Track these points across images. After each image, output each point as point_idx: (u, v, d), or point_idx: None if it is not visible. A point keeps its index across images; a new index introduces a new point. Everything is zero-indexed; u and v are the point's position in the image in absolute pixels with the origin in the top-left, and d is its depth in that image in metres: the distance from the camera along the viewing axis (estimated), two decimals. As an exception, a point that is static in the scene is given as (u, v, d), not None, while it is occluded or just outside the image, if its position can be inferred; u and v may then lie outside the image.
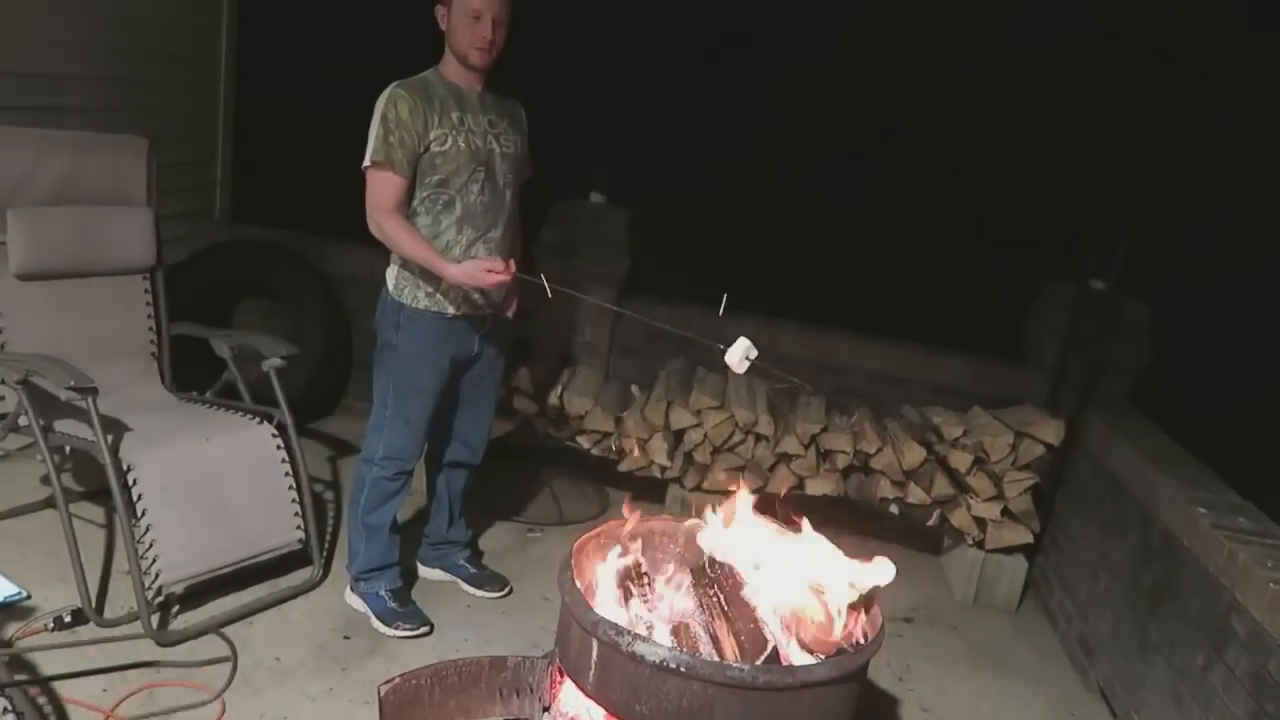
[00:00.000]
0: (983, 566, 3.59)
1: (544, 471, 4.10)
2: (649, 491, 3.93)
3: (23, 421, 2.76)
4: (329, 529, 3.43)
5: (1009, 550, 3.57)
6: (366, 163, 2.61)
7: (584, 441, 3.83)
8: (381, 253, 2.75)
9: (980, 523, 3.53)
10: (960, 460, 3.53)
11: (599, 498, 4.05)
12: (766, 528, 2.26)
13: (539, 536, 3.69)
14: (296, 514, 3.02)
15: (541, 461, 4.08)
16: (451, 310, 2.74)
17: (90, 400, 2.60)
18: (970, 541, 3.57)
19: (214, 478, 2.85)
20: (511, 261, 2.62)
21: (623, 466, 3.76)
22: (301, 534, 3.03)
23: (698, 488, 3.70)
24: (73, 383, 2.57)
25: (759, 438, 3.64)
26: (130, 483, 2.66)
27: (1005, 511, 3.51)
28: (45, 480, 3.37)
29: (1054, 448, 3.53)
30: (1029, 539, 3.53)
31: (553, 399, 3.83)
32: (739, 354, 2.30)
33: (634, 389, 4.08)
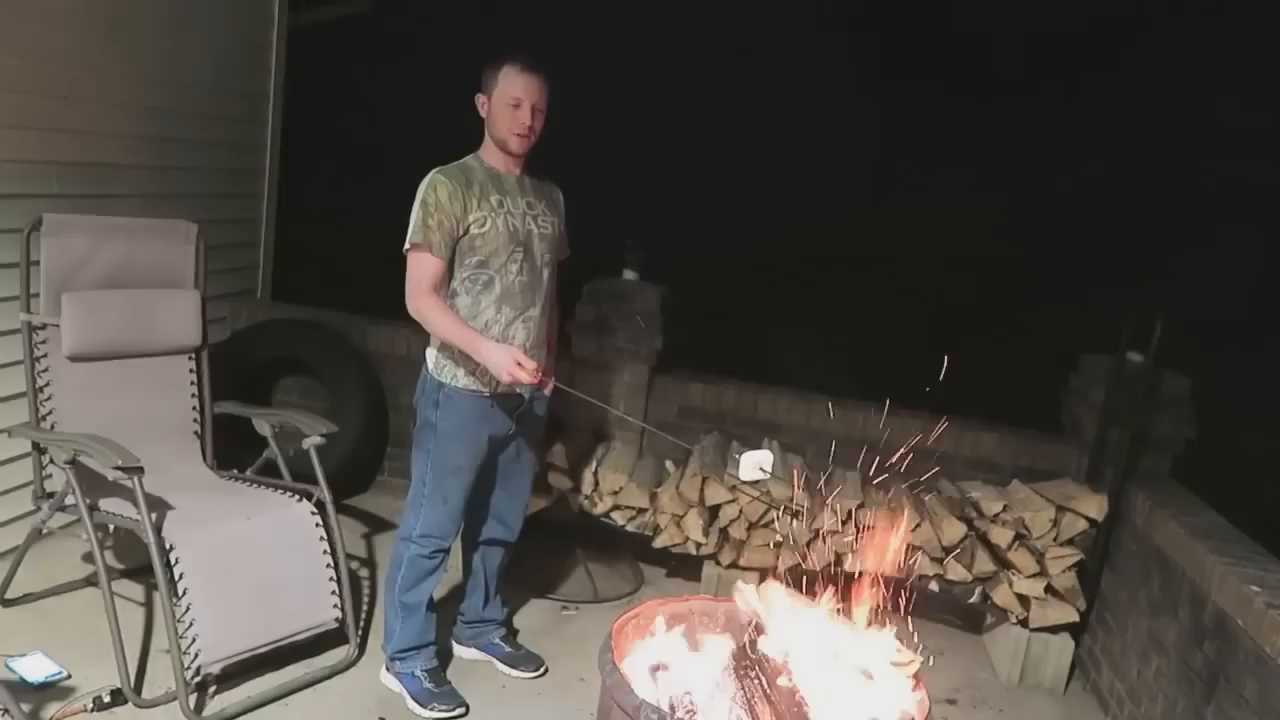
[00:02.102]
0: (1028, 646, 3.51)
1: (578, 548, 4.08)
2: (684, 569, 3.91)
3: (69, 500, 2.82)
4: (365, 607, 3.42)
5: (1054, 629, 3.49)
6: (406, 245, 2.68)
7: (619, 518, 3.82)
8: (419, 331, 2.80)
9: (1024, 600, 3.46)
10: (1001, 536, 3.47)
11: (634, 575, 4.02)
12: (807, 609, 2.23)
13: (574, 615, 3.66)
14: (334, 592, 3.02)
15: (576, 538, 4.07)
16: (489, 389, 2.77)
17: (136, 480, 2.64)
18: (1014, 620, 3.50)
19: (254, 556, 2.87)
20: (539, 369, 2.61)
21: (658, 543, 3.74)
22: (339, 613, 3.03)
23: (734, 564, 3.66)
24: (120, 462, 2.63)
25: (795, 513, 3.61)
26: (172, 562, 2.69)
27: (1049, 589, 3.44)
28: (86, 558, 3.42)
29: (1097, 523, 3.48)
30: (1074, 617, 3.44)
31: (587, 475, 3.83)
32: (752, 464, 2.32)
33: (668, 464, 4.08)
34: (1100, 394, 3.75)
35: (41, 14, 3.27)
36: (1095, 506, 3.44)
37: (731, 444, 4.06)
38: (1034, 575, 3.44)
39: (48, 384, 3.00)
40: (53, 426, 2.98)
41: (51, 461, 2.92)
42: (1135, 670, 3.22)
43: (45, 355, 3.00)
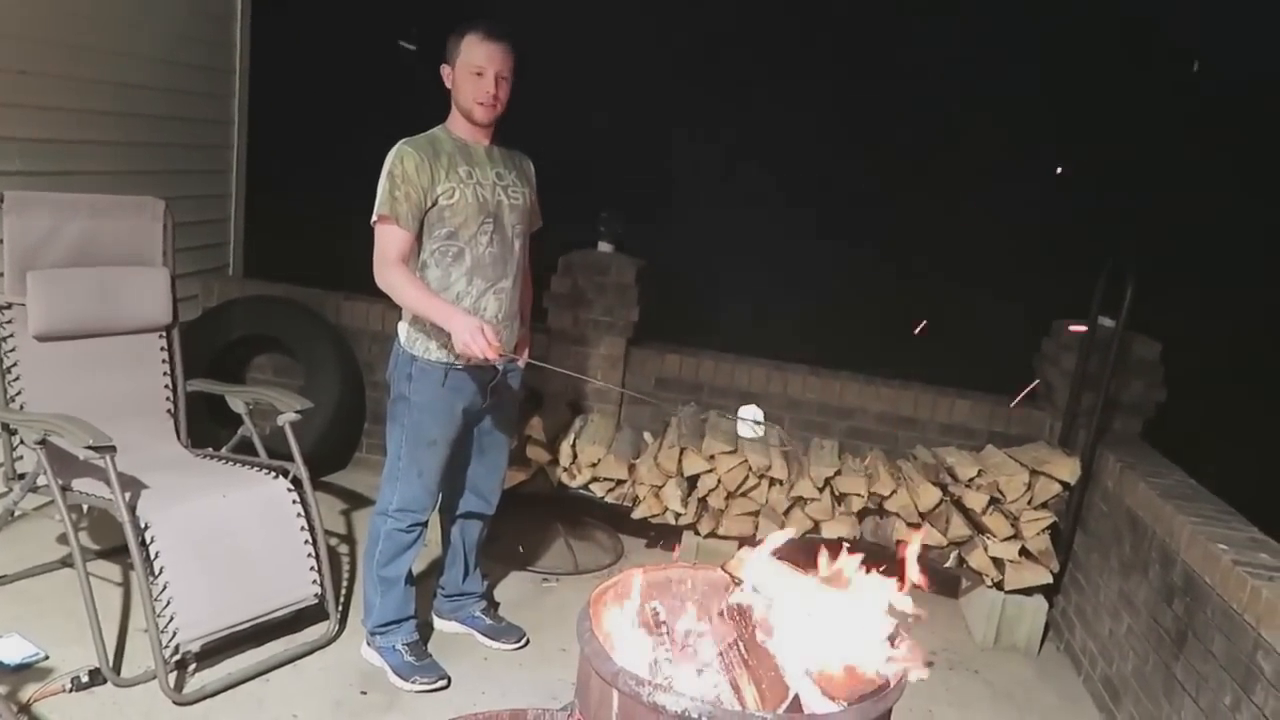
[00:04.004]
0: (1002, 608, 3.56)
1: (558, 520, 4.09)
2: (664, 538, 3.93)
3: (41, 481, 2.79)
4: (344, 583, 3.42)
5: (1028, 591, 3.54)
6: (374, 218, 2.66)
7: (597, 489, 3.83)
8: (394, 306, 2.78)
9: (998, 563, 3.50)
10: (976, 500, 3.51)
11: (614, 546, 4.04)
12: (788, 572, 2.24)
13: (554, 586, 3.68)
14: (312, 569, 3.01)
15: (555, 510, 4.08)
16: (461, 361, 2.76)
17: (109, 459, 2.62)
18: (989, 583, 3.54)
19: (230, 534, 2.85)
20: (498, 344, 2.56)
21: (637, 514, 3.76)
22: (318, 589, 3.02)
23: (713, 533, 3.68)
24: (91, 442, 2.60)
25: (773, 482, 3.63)
26: (147, 540, 2.67)
27: (1023, 551, 3.49)
28: (61, 539, 3.39)
29: (1070, 486, 3.52)
30: (1048, 579, 3.50)
31: (565, 447, 3.84)
32: (748, 424, 2.33)
33: (646, 436, 4.09)
34: (1072, 359, 3.79)
35: (-3, -14, 3.20)
36: (1068, 470, 3.49)
37: (709, 414, 4.07)
38: (1008, 539, 3.49)
39: (15, 364, 2.96)
40: (22, 407, 2.94)
41: (22, 442, 2.89)
42: (1107, 629, 3.28)
43: (11, 335, 2.96)
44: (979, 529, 3.54)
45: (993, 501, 3.52)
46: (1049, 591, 3.60)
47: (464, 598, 3.22)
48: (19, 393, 2.96)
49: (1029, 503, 3.50)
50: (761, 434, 2.40)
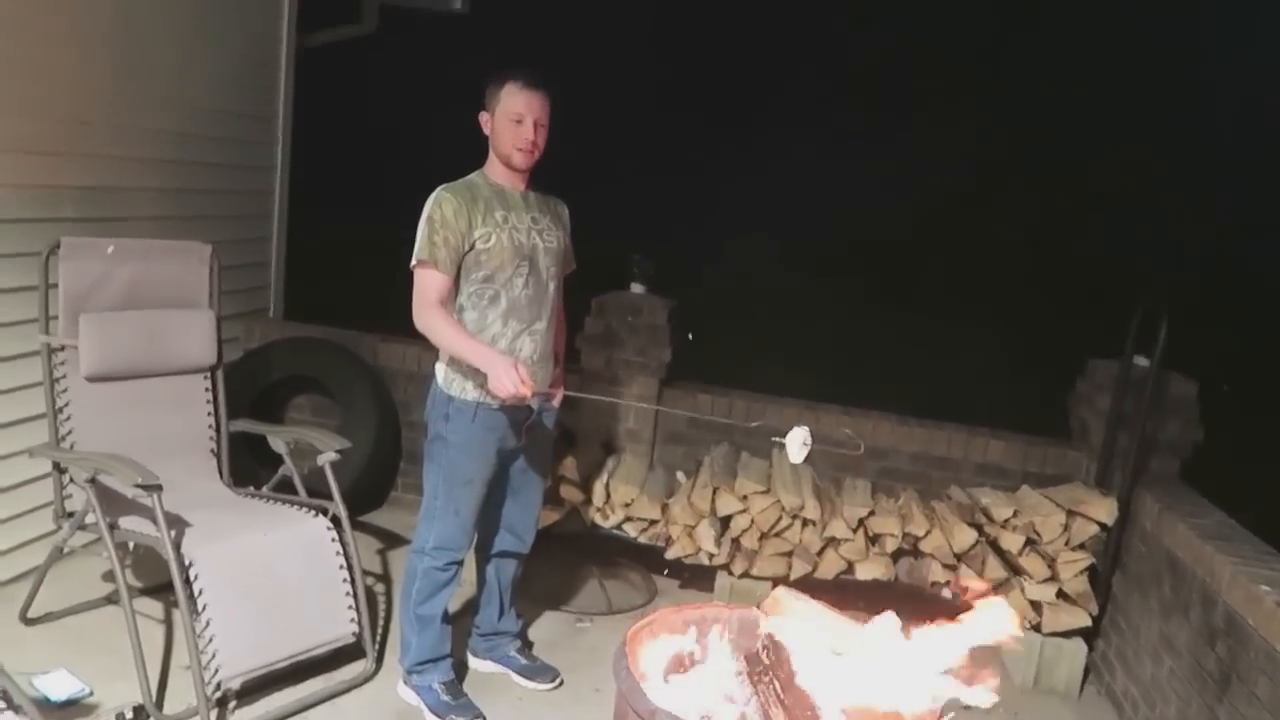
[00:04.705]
0: (1041, 650, 3.51)
1: (591, 560, 4.10)
2: (697, 579, 3.92)
3: (89, 519, 2.85)
4: (381, 622, 3.45)
5: (1067, 634, 3.50)
6: (413, 262, 2.72)
7: (631, 529, 3.84)
8: (430, 347, 2.84)
9: (1036, 605, 3.47)
10: (1012, 541, 3.49)
11: (647, 586, 4.04)
12: (827, 615, 2.25)
13: (588, 627, 3.68)
14: (350, 607, 3.05)
15: (588, 550, 4.09)
16: (497, 401, 2.80)
17: (155, 497, 2.68)
18: (1026, 625, 3.50)
19: (271, 571, 2.90)
20: (532, 383, 2.60)
21: (670, 554, 3.76)
22: (355, 627, 3.05)
23: (746, 574, 3.68)
24: (140, 480, 2.66)
25: (806, 522, 3.63)
26: (192, 578, 2.72)
27: (1061, 593, 3.45)
28: (106, 577, 3.46)
29: (1107, 527, 3.49)
30: (1087, 622, 3.46)
31: (598, 487, 3.86)
32: (797, 444, 2.34)
33: (679, 475, 4.10)
34: (1107, 399, 3.77)
35: (55, 39, 3.33)
36: (1105, 510, 3.46)
37: (741, 454, 4.09)
38: (1046, 580, 3.46)
39: (67, 404, 3.05)
40: (72, 446, 3.03)
41: (71, 481, 2.96)
42: (1149, 672, 3.23)
43: (64, 376, 3.05)
44: (1016, 570, 3.51)
45: (1029, 543, 3.50)
46: (1088, 634, 3.55)
47: (499, 637, 3.24)
48: (69, 432, 3.05)
49: (1066, 544, 3.47)
50: (809, 450, 2.41)
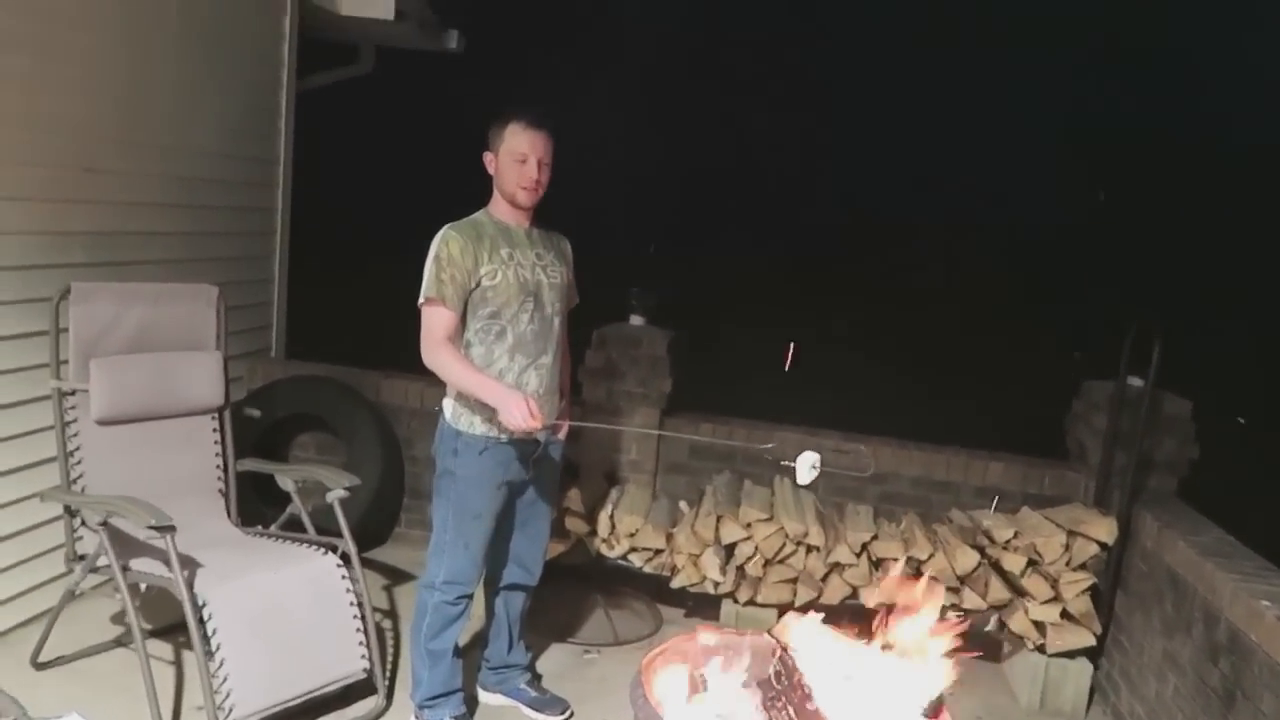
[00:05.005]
0: (1046, 671, 3.54)
1: (597, 592, 4.12)
2: (702, 607, 3.95)
3: (102, 561, 2.88)
4: (390, 658, 3.46)
5: (1072, 654, 3.52)
6: (421, 299, 2.77)
7: (636, 559, 3.87)
8: (431, 383, 2.88)
9: (1040, 626, 3.50)
10: (1014, 563, 3.52)
11: (652, 616, 4.06)
12: (835, 639, 2.29)
13: (596, 658, 3.70)
14: (361, 643, 3.07)
15: (594, 582, 4.12)
16: (505, 435, 2.84)
17: (169, 538, 2.71)
18: (1031, 646, 3.53)
19: (283, 609, 2.92)
20: (542, 416, 2.65)
21: (676, 583, 3.79)
22: (367, 663, 3.07)
23: (751, 601, 3.70)
24: (153, 521, 2.69)
25: (810, 548, 3.66)
26: (205, 618, 2.74)
27: (1064, 614, 3.49)
28: (114, 619, 3.47)
29: (1108, 546, 3.53)
30: (1091, 641, 3.48)
31: (603, 518, 3.89)
32: (806, 467, 2.40)
33: (682, 505, 4.13)
34: (1103, 419, 3.82)
35: (63, 88, 3.40)
36: (1105, 530, 3.50)
37: (744, 482, 4.12)
38: (1049, 601, 3.49)
39: (78, 448, 3.08)
40: (83, 489, 3.05)
41: (83, 524, 2.99)
42: (1153, 690, 3.26)
43: (75, 420, 3.08)
44: (1019, 592, 3.55)
45: (1031, 563, 3.53)
46: (1093, 654, 3.58)
47: (509, 670, 3.26)
48: (80, 475, 3.08)
49: (1067, 564, 3.50)
50: (818, 473, 2.48)
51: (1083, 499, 3.91)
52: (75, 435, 3.08)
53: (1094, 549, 3.51)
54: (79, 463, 3.08)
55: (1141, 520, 3.58)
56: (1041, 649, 3.52)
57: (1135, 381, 3.70)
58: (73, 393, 3.08)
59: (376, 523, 4.43)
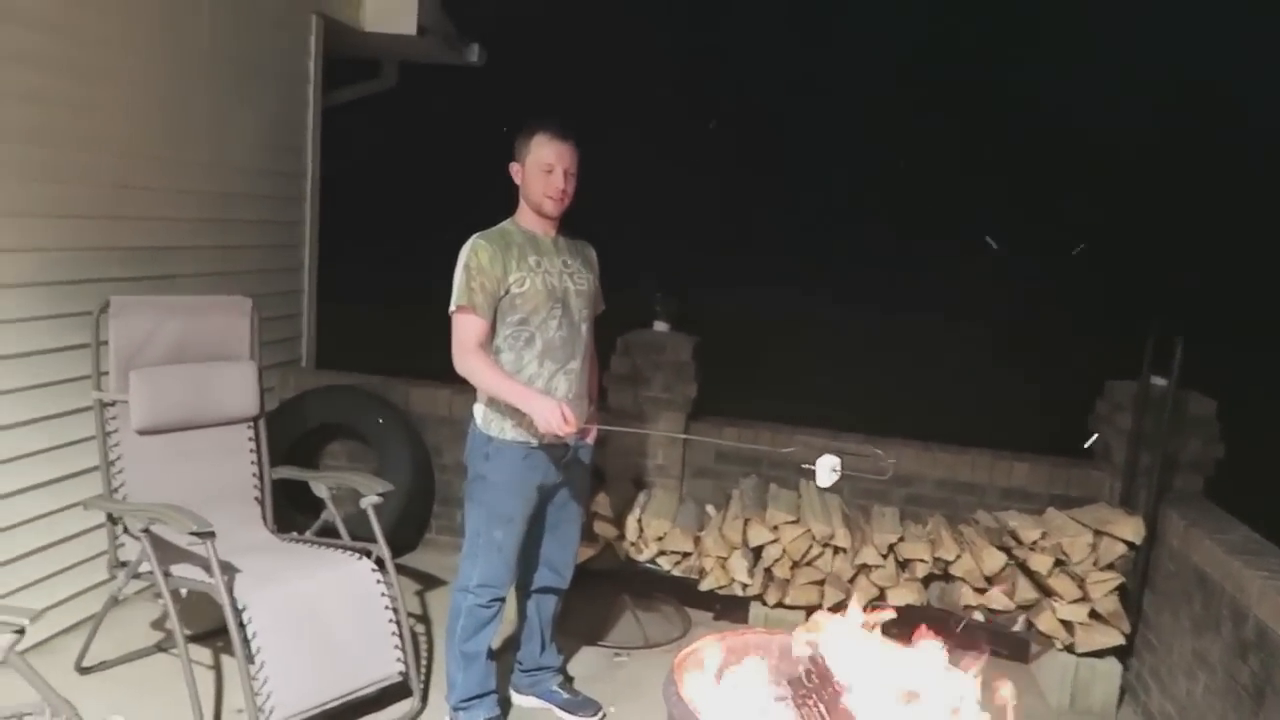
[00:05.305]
0: (1075, 671, 3.55)
1: (626, 595, 4.16)
2: (730, 610, 3.98)
3: (144, 567, 2.95)
4: (424, 661, 3.51)
5: (1101, 653, 3.53)
6: (452, 307, 2.83)
7: (664, 563, 3.91)
8: (459, 391, 2.94)
9: (1068, 626, 3.51)
10: (1041, 563, 3.54)
11: (681, 619, 4.09)
12: (869, 637, 2.31)
13: (626, 661, 3.74)
14: (397, 646, 3.12)
15: (623, 585, 4.16)
16: (535, 440, 2.90)
17: (209, 544, 2.78)
18: (1059, 646, 3.54)
19: (319, 614, 2.98)
20: (575, 420, 2.71)
21: (704, 586, 3.82)
22: (402, 666, 3.12)
23: (780, 603, 3.73)
24: (194, 528, 2.76)
25: (837, 550, 3.69)
26: (245, 622, 2.80)
27: (1093, 613, 3.50)
28: (154, 625, 3.55)
29: (1135, 546, 3.54)
30: (1120, 640, 3.49)
31: (631, 522, 3.93)
32: (826, 470, 2.43)
33: (709, 509, 4.17)
34: (1128, 419, 3.83)
35: (104, 109, 3.50)
36: (1131, 529, 3.51)
37: (770, 486, 4.15)
38: (1076, 600, 3.50)
39: (119, 457, 3.16)
40: (124, 497, 3.13)
41: (125, 531, 3.06)
42: (1184, 689, 3.26)
43: (116, 430, 3.16)
44: (1046, 592, 3.56)
45: (1058, 563, 3.54)
46: (1122, 653, 3.59)
47: (541, 672, 3.30)
48: (121, 484, 3.15)
49: (1094, 564, 3.51)
50: (839, 477, 2.51)
51: (1109, 499, 3.92)
52: (116, 445, 3.16)
53: (1121, 548, 3.52)
54: (120, 472, 3.15)
55: (1168, 519, 3.58)
56: (1070, 649, 3.53)
57: (1159, 381, 3.70)
58: (113, 404, 3.16)
59: (407, 529, 4.50)
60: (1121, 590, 3.54)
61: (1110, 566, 3.52)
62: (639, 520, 3.93)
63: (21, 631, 2.18)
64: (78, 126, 3.39)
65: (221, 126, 4.16)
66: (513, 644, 3.38)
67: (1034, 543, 3.58)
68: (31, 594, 3.27)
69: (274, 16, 4.54)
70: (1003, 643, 3.84)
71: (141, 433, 3.20)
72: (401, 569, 4.27)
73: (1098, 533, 3.54)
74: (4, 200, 3.12)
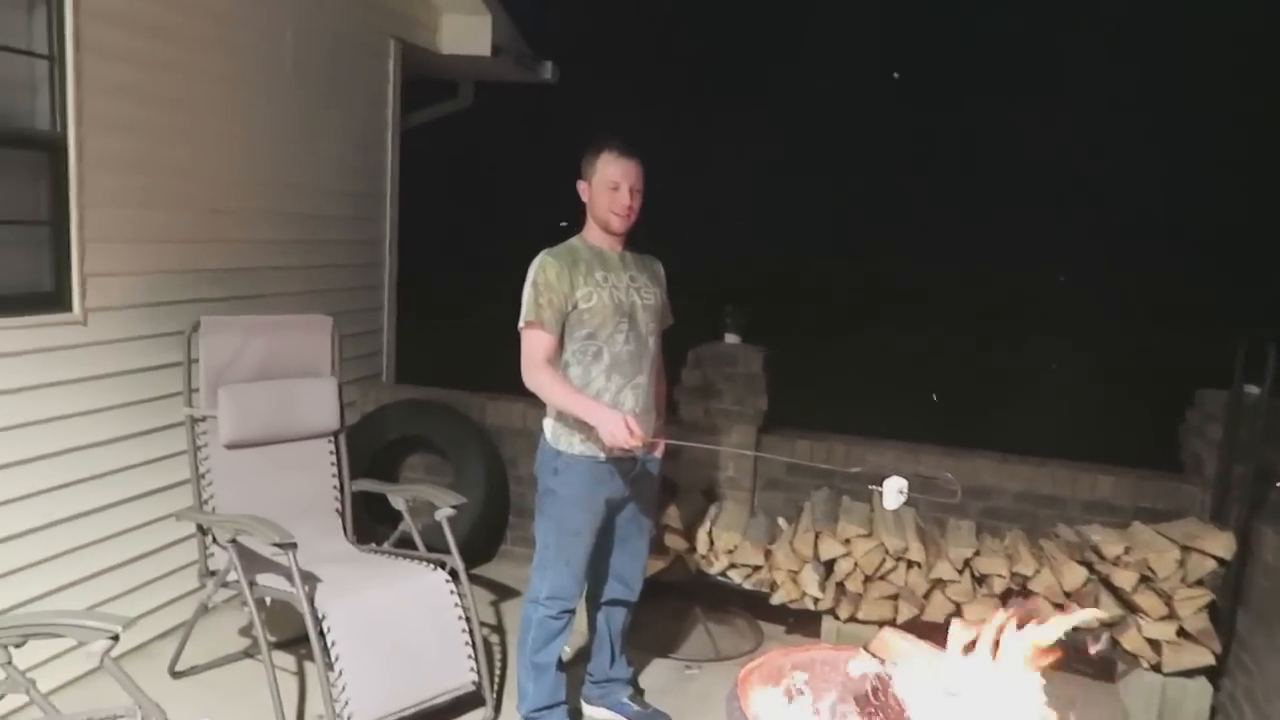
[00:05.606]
0: (1163, 692, 3.42)
1: (697, 608, 4.17)
2: (803, 624, 3.95)
3: (231, 577, 3.07)
4: (497, 671, 3.58)
5: (1190, 673, 3.40)
6: (521, 323, 2.89)
7: (735, 576, 3.90)
8: (534, 404, 2.99)
9: (1155, 644, 3.39)
10: (1125, 579, 3.42)
11: (753, 633, 4.08)
12: (937, 655, 2.28)
13: (697, 674, 3.74)
14: (470, 656, 3.19)
15: (694, 598, 4.16)
16: (603, 454, 2.93)
17: (291, 555, 2.88)
18: (1146, 665, 3.42)
19: (397, 623, 3.07)
20: (642, 433, 2.75)
21: (775, 599, 3.80)
22: (475, 675, 3.19)
23: (852, 618, 3.69)
24: (277, 539, 2.87)
25: (910, 564, 3.63)
26: (325, 630, 2.90)
27: (1181, 631, 3.37)
28: (241, 632, 3.69)
29: (1226, 562, 3.40)
30: (1210, 660, 3.35)
31: (701, 534, 3.94)
32: (893, 492, 2.42)
33: (780, 521, 4.15)
34: (1219, 429, 3.68)
35: (193, 137, 3.67)
36: (1222, 545, 3.37)
37: (842, 499, 4.11)
38: (1163, 618, 3.38)
39: (208, 471, 3.31)
40: (213, 509, 3.27)
41: (214, 541, 3.20)
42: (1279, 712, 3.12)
43: (206, 444, 3.31)
44: (1131, 608, 3.44)
45: (1143, 579, 3.42)
46: (1213, 673, 3.44)
47: (611, 684, 3.33)
48: (211, 496, 3.30)
49: (1183, 580, 3.38)
50: (905, 499, 2.50)
51: (1198, 513, 3.77)
52: (206, 459, 3.31)
53: (1211, 564, 3.38)
54: (209, 484, 3.30)
55: (1262, 534, 3.43)
56: (1157, 668, 3.40)
57: (1251, 389, 3.56)
58: (203, 419, 3.31)
59: (482, 540, 4.58)
60: (1212, 608, 3.40)
61: (1199, 583, 3.39)
62: (709, 533, 3.93)
63: (115, 638, 2.29)
64: (173, 155, 3.57)
65: (305, 151, 4.33)
66: (584, 656, 3.41)
67: (1117, 558, 3.46)
68: (128, 601, 3.43)
69: (354, 43, 4.70)
70: (1086, 661, 3.73)
71: (229, 447, 3.34)
72: (476, 579, 4.36)
73: (1186, 548, 3.41)
74: (110, 227, 3.31)
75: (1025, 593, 3.57)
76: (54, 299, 3.18)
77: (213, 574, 3.22)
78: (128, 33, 3.31)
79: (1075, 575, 3.47)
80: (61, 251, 3.17)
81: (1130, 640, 3.40)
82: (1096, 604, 3.43)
